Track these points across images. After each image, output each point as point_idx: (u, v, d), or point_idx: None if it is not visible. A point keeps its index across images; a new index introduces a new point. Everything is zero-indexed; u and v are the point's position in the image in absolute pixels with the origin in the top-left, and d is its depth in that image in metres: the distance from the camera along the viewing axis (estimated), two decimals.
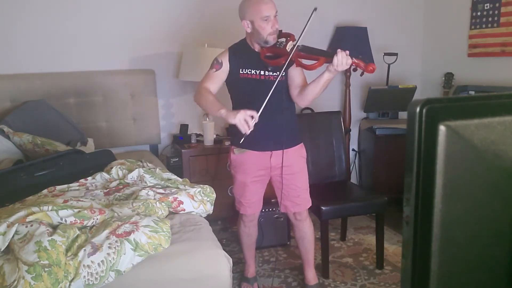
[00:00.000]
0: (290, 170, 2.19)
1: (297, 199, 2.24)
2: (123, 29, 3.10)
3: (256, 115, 1.85)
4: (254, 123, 1.85)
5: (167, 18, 3.20)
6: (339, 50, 1.86)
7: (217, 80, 2.12)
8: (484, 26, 3.26)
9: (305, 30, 1.93)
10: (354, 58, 1.86)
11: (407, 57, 3.80)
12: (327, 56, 1.92)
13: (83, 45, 3.03)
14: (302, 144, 2.28)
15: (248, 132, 1.84)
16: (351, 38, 3.45)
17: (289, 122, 2.19)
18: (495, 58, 3.22)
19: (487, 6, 3.23)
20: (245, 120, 1.83)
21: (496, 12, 3.16)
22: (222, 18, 3.26)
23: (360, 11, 3.67)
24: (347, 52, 1.87)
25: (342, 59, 1.84)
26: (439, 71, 3.65)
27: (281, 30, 2.09)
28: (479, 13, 3.29)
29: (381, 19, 3.74)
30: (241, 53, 2.13)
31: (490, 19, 3.21)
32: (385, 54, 3.57)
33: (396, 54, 3.56)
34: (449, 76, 3.42)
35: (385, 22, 3.77)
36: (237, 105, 2.20)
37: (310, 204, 2.30)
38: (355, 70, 1.90)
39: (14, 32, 2.87)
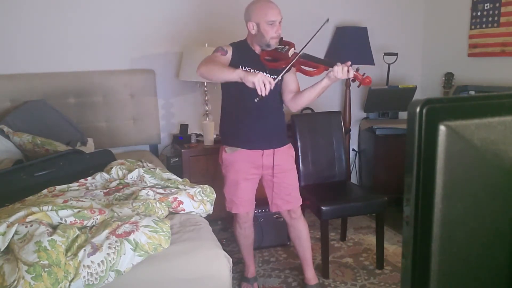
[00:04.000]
0: (281, 168, 2.25)
1: (288, 197, 2.29)
2: (123, 29, 3.10)
3: (273, 83, 1.88)
4: (270, 88, 1.86)
5: (167, 18, 3.19)
6: (339, 62, 1.96)
7: (221, 63, 2.10)
8: (484, 26, 3.26)
9: (312, 39, 2.02)
10: (353, 70, 1.96)
11: (407, 57, 3.80)
12: (327, 64, 2.02)
13: (83, 45, 3.03)
14: (290, 144, 2.36)
15: (264, 94, 1.85)
16: (351, 38, 3.44)
17: (279, 123, 2.28)
18: (495, 58, 3.22)
19: (487, 6, 3.23)
20: (263, 82, 1.84)
21: (496, 12, 3.16)
22: (223, 18, 3.26)
23: (360, 11, 3.67)
24: (349, 63, 1.97)
25: (343, 69, 1.95)
26: (439, 71, 3.65)
27: (282, 38, 2.17)
28: (479, 13, 3.29)
29: (381, 19, 3.74)
30: (242, 51, 2.18)
31: (490, 19, 3.21)
32: (385, 54, 3.57)
33: (396, 54, 3.56)
34: (449, 76, 3.41)
35: (385, 22, 3.77)
36: (228, 103, 2.27)
37: (301, 202, 2.35)
38: (353, 81, 2.01)
39: (14, 32, 2.87)
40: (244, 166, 2.23)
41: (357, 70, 1.97)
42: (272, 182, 2.27)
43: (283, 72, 2.05)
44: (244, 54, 2.17)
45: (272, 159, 2.22)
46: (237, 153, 2.23)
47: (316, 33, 2.01)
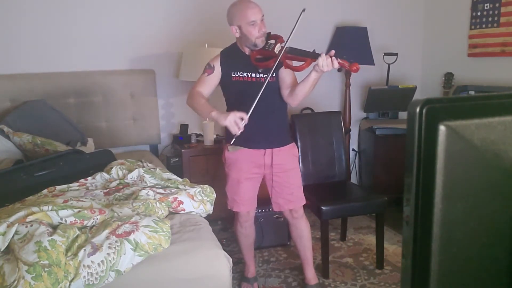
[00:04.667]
0: (283, 168, 2.24)
1: (290, 196, 2.28)
2: (123, 29, 3.10)
3: (246, 117, 1.91)
4: (244, 124, 1.91)
5: (167, 18, 3.20)
6: (322, 52, 1.93)
7: (209, 84, 2.18)
8: (484, 26, 3.26)
9: (293, 32, 1.99)
10: (338, 59, 1.91)
11: (407, 57, 3.80)
12: (313, 57, 1.98)
13: (83, 45, 3.03)
14: (294, 143, 2.35)
15: (238, 133, 1.91)
16: (351, 38, 3.44)
17: (281, 121, 2.26)
18: (495, 58, 3.22)
19: (487, 6, 3.23)
20: (235, 122, 1.89)
21: (496, 12, 3.16)
22: (222, 18, 3.23)
23: (360, 11, 3.67)
24: (332, 52, 1.93)
25: (327, 60, 1.91)
26: (439, 71, 3.65)
27: (270, 33, 2.14)
28: (479, 13, 3.29)
29: (381, 19, 3.74)
30: (232, 56, 2.18)
31: (490, 19, 3.21)
32: (385, 54, 3.57)
33: (396, 54, 3.55)
34: (449, 76, 3.42)
35: (385, 22, 3.77)
36: (231, 107, 2.25)
37: (304, 202, 2.34)
38: (340, 70, 1.95)
39: (14, 32, 2.87)
40: (246, 165, 2.23)
41: (344, 58, 1.91)
42: (274, 182, 2.26)
43: (271, 71, 2.04)
44: (234, 60, 2.16)
45: (275, 158, 2.22)
46: (239, 152, 2.23)
47: (295, 25, 1.98)
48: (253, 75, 2.14)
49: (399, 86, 3.44)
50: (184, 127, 3.22)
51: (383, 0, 3.74)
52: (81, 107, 2.99)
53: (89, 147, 2.76)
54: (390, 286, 2.50)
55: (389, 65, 3.58)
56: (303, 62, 1.99)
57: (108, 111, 3.07)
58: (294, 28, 1.98)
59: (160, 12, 3.17)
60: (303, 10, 1.97)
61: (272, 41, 2.11)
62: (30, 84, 2.85)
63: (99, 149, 2.68)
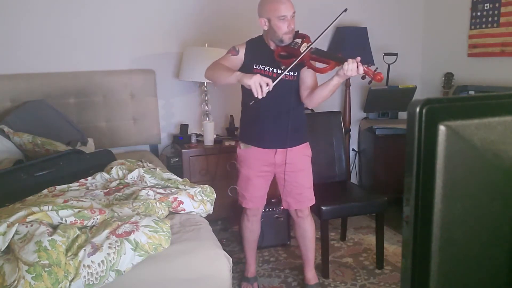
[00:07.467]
0: (293, 167, 2.22)
1: (299, 197, 2.27)
2: (123, 29, 3.10)
3: (271, 84, 1.85)
4: (267, 90, 1.85)
5: (167, 18, 3.19)
6: (350, 58, 1.89)
7: (232, 64, 2.13)
8: (484, 26, 3.26)
9: (324, 33, 1.97)
10: (364, 67, 1.89)
11: (407, 57, 3.80)
12: (338, 61, 1.94)
13: (83, 45, 3.03)
14: (307, 143, 2.30)
15: (260, 96, 1.84)
16: (351, 38, 3.44)
17: (295, 122, 2.20)
18: (495, 58, 3.22)
19: (487, 6, 3.23)
20: (260, 84, 1.83)
21: (496, 12, 3.16)
22: (223, 18, 3.26)
23: (360, 11, 3.67)
24: (358, 58, 1.91)
25: (353, 65, 1.88)
26: (439, 71, 3.65)
27: (298, 31, 2.11)
28: (479, 13, 3.29)
29: (381, 19, 3.74)
30: (257, 48, 2.16)
31: (490, 19, 3.21)
32: (385, 54, 3.57)
33: (396, 54, 3.55)
34: (449, 76, 3.42)
35: (385, 22, 3.77)
36: (247, 101, 2.23)
37: (313, 202, 2.33)
38: (363, 78, 1.90)
39: (14, 32, 2.87)
40: (257, 163, 2.23)
41: (368, 66, 1.90)
42: (285, 181, 2.25)
43: (288, 69, 1.99)
44: (258, 52, 2.14)
45: (285, 157, 2.20)
46: (250, 150, 2.24)
47: (330, 24, 1.96)
48: (274, 70, 2.11)
49: (399, 86, 3.44)
50: (184, 127, 3.22)
51: (383, 0, 3.74)
52: (81, 107, 2.99)
53: (89, 147, 2.75)
54: (390, 286, 2.50)
55: (389, 65, 3.58)
56: (327, 65, 1.96)
57: (108, 111, 3.07)
58: (326, 29, 1.97)
59: (160, 11, 3.17)
60: (345, 10, 1.98)
61: (299, 40, 2.07)
62: (30, 84, 2.85)
63: (99, 149, 2.68)
